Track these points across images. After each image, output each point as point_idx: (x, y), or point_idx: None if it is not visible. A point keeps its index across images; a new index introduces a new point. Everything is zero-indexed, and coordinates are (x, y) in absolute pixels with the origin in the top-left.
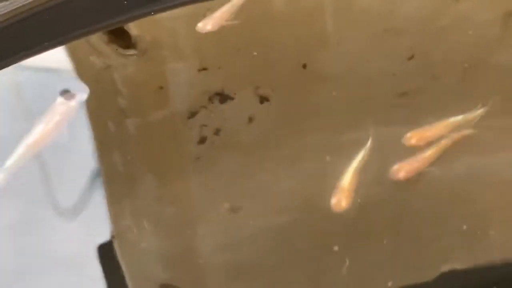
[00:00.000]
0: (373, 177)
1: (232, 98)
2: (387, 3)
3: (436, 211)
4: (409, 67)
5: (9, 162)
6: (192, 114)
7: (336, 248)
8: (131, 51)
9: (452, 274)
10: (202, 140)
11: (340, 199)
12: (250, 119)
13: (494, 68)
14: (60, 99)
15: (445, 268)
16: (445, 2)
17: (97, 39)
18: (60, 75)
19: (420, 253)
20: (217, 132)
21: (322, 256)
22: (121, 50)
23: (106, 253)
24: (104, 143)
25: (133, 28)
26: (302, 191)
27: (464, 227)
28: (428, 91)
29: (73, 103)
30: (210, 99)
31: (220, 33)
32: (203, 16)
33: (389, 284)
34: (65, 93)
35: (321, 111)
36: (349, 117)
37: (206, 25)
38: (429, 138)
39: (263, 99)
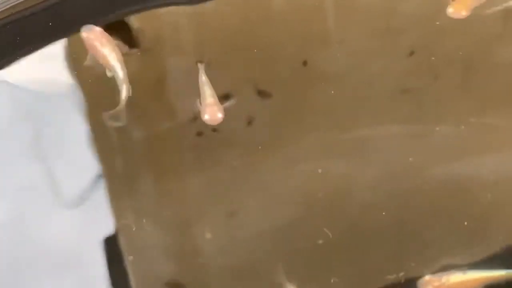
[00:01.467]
0: (376, 176)
1: (232, 96)
2: (388, 0)
3: (438, 208)
4: (410, 65)
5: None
6: (192, 112)
7: (337, 247)
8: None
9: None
10: (201, 138)
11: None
12: (250, 118)
13: (495, 66)
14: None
15: (446, 264)
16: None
17: None
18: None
19: (421, 249)
20: (216, 130)
21: (323, 255)
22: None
23: (108, 250)
24: (103, 141)
25: (134, 22)
26: (302, 190)
27: (465, 223)
28: (429, 90)
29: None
30: None
31: (220, 30)
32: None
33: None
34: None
35: (321, 109)
36: (350, 115)
37: (217, 113)
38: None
39: (263, 97)
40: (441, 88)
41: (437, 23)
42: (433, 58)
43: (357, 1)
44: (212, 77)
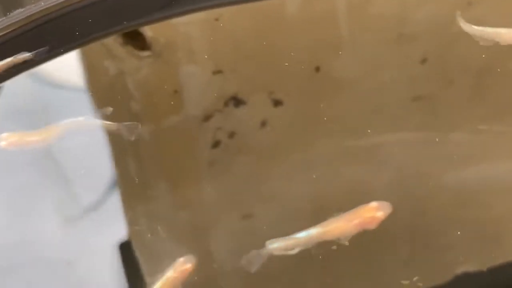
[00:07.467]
0: (388, 182)
1: (245, 102)
2: (401, 8)
3: (451, 214)
4: (422, 72)
5: None
6: (207, 118)
7: (351, 253)
8: (146, 53)
9: (466, 277)
10: (216, 145)
11: None
12: (264, 124)
13: (507, 73)
14: None
15: (459, 271)
16: (458, 7)
17: (112, 41)
18: (71, 86)
19: (435, 254)
20: (231, 136)
21: (337, 261)
22: (136, 52)
23: (122, 256)
24: (119, 148)
25: (148, 31)
26: (315, 196)
27: (478, 232)
28: (442, 97)
29: None
30: (225, 103)
31: (234, 37)
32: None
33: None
34: None
35: (334, 116)
36: (363, 122)
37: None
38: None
39: (276, 104)
40: (453, 96)
41: (450, 30)
42: (445, 65)
43: (370, 8)
44: (227, 82)
